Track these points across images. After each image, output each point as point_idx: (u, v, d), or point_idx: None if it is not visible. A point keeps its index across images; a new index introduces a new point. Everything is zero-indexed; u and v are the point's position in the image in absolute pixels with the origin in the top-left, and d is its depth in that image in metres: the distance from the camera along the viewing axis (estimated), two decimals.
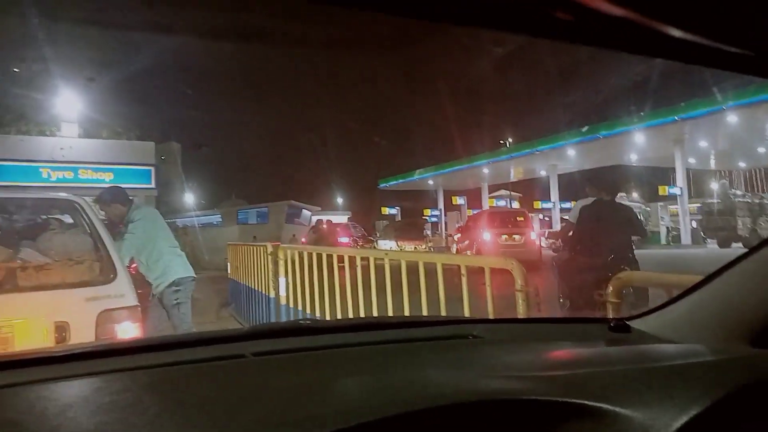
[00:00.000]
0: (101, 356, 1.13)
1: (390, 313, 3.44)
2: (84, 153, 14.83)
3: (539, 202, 37.68)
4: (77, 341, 2.79)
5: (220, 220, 30.20)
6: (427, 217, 41.00)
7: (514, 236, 16.31)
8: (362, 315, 3.74)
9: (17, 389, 0.92)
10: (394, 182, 45.07)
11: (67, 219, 3.77)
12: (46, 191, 8.24)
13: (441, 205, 43.67)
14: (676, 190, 28.32)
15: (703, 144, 28.87)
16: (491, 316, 2.58)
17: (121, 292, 3.07)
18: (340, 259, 4.29)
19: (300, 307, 5.00)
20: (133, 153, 16.04)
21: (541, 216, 38.06)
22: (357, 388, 0.99)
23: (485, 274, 2.77)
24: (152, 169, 15.86)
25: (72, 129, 15.81)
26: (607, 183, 5.97)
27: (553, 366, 1.12)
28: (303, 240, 20.04)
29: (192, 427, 0.78)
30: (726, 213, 24.91)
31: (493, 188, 40.95)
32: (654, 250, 23.99)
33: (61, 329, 2.81)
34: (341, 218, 38.55)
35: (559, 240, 6.73)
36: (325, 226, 17.39)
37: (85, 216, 3.44)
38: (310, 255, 4.80)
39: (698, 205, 29.31)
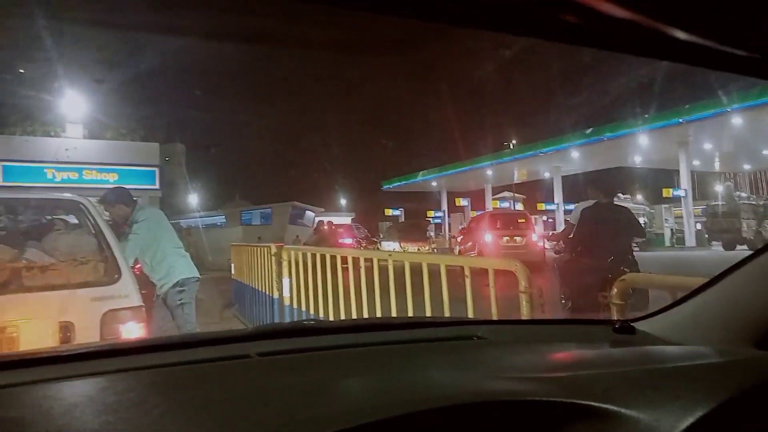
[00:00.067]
0: (106, 356, 1.14)
1: (393, 314, 3.44)
2: (88, 154, 14.90)
3: (543, 204, 37.61)
4: (82, 341, 2.80)
5: (224, 221, 30.29)
6: (430, 219, 40.97)
7: (515, 238, 16.41)
8: (366, 316, 3.74)
9: (23, 388, 0.93)
10: (398, 184, 45.04)
11: (72, 219, 3.78)
12: (50, 192, 8.26)
13: (444, 206, 43.62)
14: (680, 192, 28.23)
15: (707, 146, 28.77)
16: (495, 318, 2.58)
17: (126, 292, 3.08)
18: (344, 260, 4.30)
19: (304, 308, 5.00)
20: (137, 154, 16.11)
21: (544, 218, 38.00)
22: (361, 389, 0.99)
23: (489, 275, 2.77)
24: (156, 170, 15.92)
25: (77, 130, 15.88)
26: (605, 185, 6.02)
27: (557, 367, 1.12)
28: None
29: (197, 427, 0.79)
30: (731, 215, 24.83)
31: (497, 190, 40.87)
32: (658, 253, 23.92)
33: (66, 329, 2.83)
34: (345, 219, 38.59)
35: (561, 241, 6.76)
36: (326, 227, 17.36)
37: (89, 216, 3.45)
38: (313, 256, 4.81)
39: (703, 207, 29.20)
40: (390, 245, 24.19)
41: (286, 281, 5.59)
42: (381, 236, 30.38)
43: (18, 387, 0.93)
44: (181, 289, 4.24)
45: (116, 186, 5.06)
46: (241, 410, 0.84)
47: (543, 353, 1.25)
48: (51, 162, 14.14)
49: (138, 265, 4.20)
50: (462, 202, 40.79)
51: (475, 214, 28.43)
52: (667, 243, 30.22)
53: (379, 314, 3.65)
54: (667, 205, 32.72)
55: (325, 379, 1.02)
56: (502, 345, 1.36)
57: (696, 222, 28.69)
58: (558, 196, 34.22)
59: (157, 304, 4.28)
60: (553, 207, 35.11)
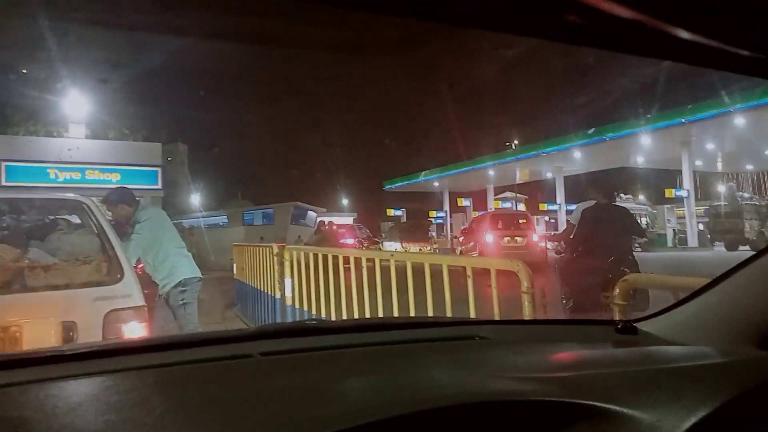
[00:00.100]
0: (109, 355, 1.14)
1: (396, 315, 3.44)
2: (91, 154, 14.94)
3: (545, 204, 37.58)
4: (84, 341, 2.80)
5: (226, 220, 30.29)
6: (432, 219, 40.94)
7: (516, 238, 16.52)
8: (368, 316, 3.74)
9: (27, 387, 0.93)
10: (400, 184, 45.03)
11: (75, 219, 3.79)
12: (53, 192, 8.28)
13: (446, 206, 43.61)
14: (682, 193, 28.19)
15: (710, 146, 28.73)
16: (497, 318, 2.58)
17: (128, 292, 3.08)
18: (346, 260, 4.30)
19: (306, 308, 5.01)
20: (139, 154, 16.14)
21: (546, 218, 37.96)
22: (363, 389, 0.99)
23: (491, 275, 2.77)
24: (159, 170, 15.95)
25: (79, 130, 15.91)
26: (604, 186, 6.09)
27: (560, 367, 1.12)
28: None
29: (199, 426, 0.79)
30: (733, 216, 24.78)
31: (498, 190, 40.85)
32: (661, 253, 23.88)
33: (69, 329, 2.83)
34: (347, 219, 38.61)
35: (562, 242, 6.79)
36: (326, 227, 17.34)
37: (92, 216, 3.45)
38: (315, 256, 4.81)
39: (705, 207, 29.15)
40: (392, 245, 24.19)
41: (288, 281, 5.60)
42: (383, 236, 30.38)
43: (21, 386, 0.93)
44: (184, 288, 4.24)
45: (119, 186, 5.06)
46: (243, 409, 0.84)
47: (545, 353, 1.25)
48: (54, 162, 14.18)
49: (140, 265, 4.21)
50: (464, 202, 40.78)
51: (477, 214, 28.41)
52: (670, 243, 30.16)
53: (381, 314, 3.65)
54: (669, 206, 32.66)
55: (327, 379, 1.02)
56: (505, 345, 1.36)
57: (698, 222, 28.64)
58: (560, 197, 34.20)
59: (159, 303, 4.29)
60: (555, 207, 35.07)
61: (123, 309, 3.01)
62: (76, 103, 15.88)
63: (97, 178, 14.63)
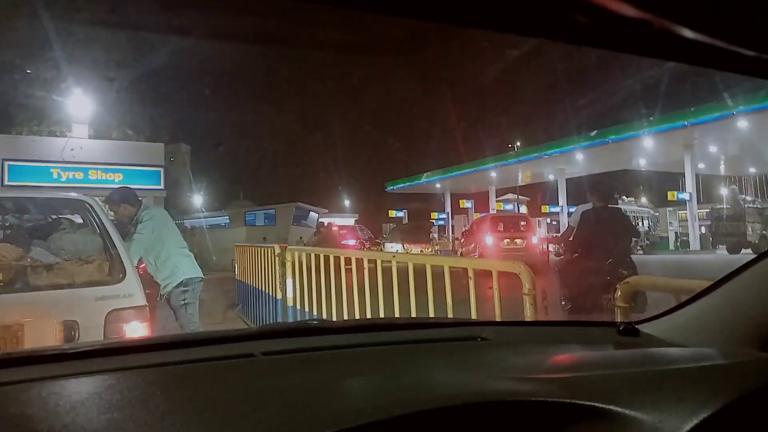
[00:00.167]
0: (111, 354, 1.14)
1: (397, 315, 3.44)
2: (94, 154, 14.95)
3: (547, 206, 37.56)
4: (86, 340, 2.80)
5: (228, 221, 30.32)
6: (434, 220, 40.95)
7: (516, 240, 16.63)
8: (369, 317, 3.74)
9: (29, 385, 0.93)
10: (402, 185, 45.03)
11: (77, 219, 3.79)
12: (56, 191, 8.30)
13: (448, 208, 43.60)
14: (685, 196, 28.15)
15: (712, 149, 28.69)
16: (498, 319, 2.58)
17: (130, 291, 3.08)
18: (348, 261, 4.30)
19: (307, 309, 5.01)
20: (142, 154, 16.16)
21: (548, 220, 37.95)
22: (364, 388, 0.99)
23: (493, 277, 2.77)
24: (161, 170, 15.96)
25: (82, 130, 15.93)
26: (600, 189, 6.16)
27: (561, 368, 1.12)
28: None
29: (200, 425, 0.79)
30: (735, 219, 24.74)
31: (501, 192, 40.83)
32: (662, 256, 23.84)
33: (70, 328, 2.83)
34: (348, 220, 38.62)
35: (561, 244, 6.83)
36: (325, 228, 17.30)
37: (94, 216, 3.46)
38: (317, 257, 4.81)
39: (707, 210, 29.11)
40: (393, 246, 24.19)
41: (289, 282, 5.60)
42: (384, 237, 30.39)
43: (23, 384, 0.94)
44: (185, 289, 4.25)
45: (121, 186, 5.06)
46: (245, 409, 0.84)
47: (547, 354, 1.25)
48: (57, 162, 14.20)
49: (142, 265, 4.21)
50: (466, 203, 40.78)
51: (478, 215, 28.43)
52: (672, 246, 30.12)
53: (382, 315, 3.65)
54: (671, 208, 32.64)
55: (329, 379, 1.02)
56: (506, 346, 1.36)
57: (701, 225, 28.60)
58: (562, 199, 34.18)
59: (160, 303, 4.29)
60: (557, 209, 35.05)
61: (125, 309, 3.01)
62: (79, 103, 15.90)
63: (99, 178, 14.65)
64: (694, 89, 25.60)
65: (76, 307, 2.92)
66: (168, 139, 24.59)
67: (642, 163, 33.84)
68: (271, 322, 6.01)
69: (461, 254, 18.68)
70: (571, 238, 6.13)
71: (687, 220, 28.85)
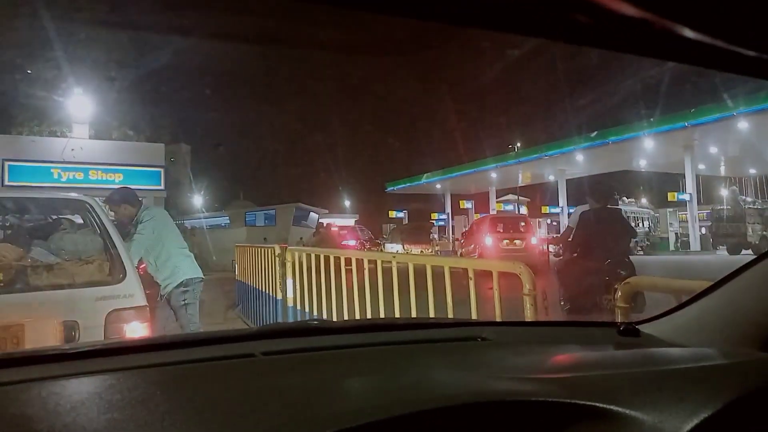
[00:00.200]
0: (111, 354, 1.14)
1: (397, 316, 3.44)
2: (94, 154, 14.97)
3: (547, 207, 37.57)
4: (86, 340, 2.80)
5: (228, 221, 30.33)
6: (434, 221, 40.94)
7: (515, 241, 16.71)
8: (370, 317, 3.74)
9: (29, 385, 0.93)
10: (402, 186, 45.03)
11: (78, 219, 3.80)
12: (56, 191, 8.30)
13: (448, 209, 43.59)
14: (685, 197, 28.14)
15: (713, 150, 28.68)
16: (499, 319, 2.58)
17: (131, 292, 3.09)
18: (348, 261, 4.29)
19: (307, 309, 5.01)
20: (142, 154, 16.18)
21: (549, 221, 37.96)
22: (364, 388, 0.99)
23: (493, 277, 2.77)
24: (161, 170, 15.97)
25: (83, 130, 15.94)
26: (597, 190, 6.24)
27: (561, 368, 1.12)
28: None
29: (201, 425, 0.79)
30: (736, 219, 24.74)
31: (501, 192, 40.82)
32: (663, 257, 23.83)
33: (71, 328, 2.83)
34: (349, 221, 38.63)
35: (560, 244, 6.86)
36: (324, 229, 17.27)
37: (95, 216, 3.46)
38: (317, 257, 4.81)
39: (708, 211, 29.10)
40: (394, 247, 24.21)
41: (289, 282, 5.60)
42: (385, 238, 30.40)
43: (23, 384, 0.94)
44: (186, 289, 4.25)
45: (121, 186, 5.06)
46: (245, 409, 0.84)
47: (547, 354, 1.25)
48: (57, 162, 14.21)
49: (143, 265, 4.22)
50: (466, 204, 40.76)
51: (479, 216, 28.44)
52: (672, 247, 30.13)
53: (382, 315, 3.65)
54: (672, 209, 32.63)
55: (329, 379, 1.02)
56: (506, 346, 1.36)
57: (701, 226, 28.59)
58: (562, 199, 34.17)
59: (161, 304, 4.29)
60: (557, 210, 35.05)
61: (125, 309, 3.01)
62: (79, 104, 15.92)
63: (100, 179, 14.67)
64: (695, 90, 25.62)
65: (76, 307, 2.93)
66: (168, 140, 24.63)
67: (642, 164, 33.83)
68: (272, 322, 6.01)
69: (461, 255, 18.74)
70: (570, 239, 6.18)
71: (687, 221, 28.85)
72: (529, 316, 2.55)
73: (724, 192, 31.66)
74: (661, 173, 36.91)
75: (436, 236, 33.54)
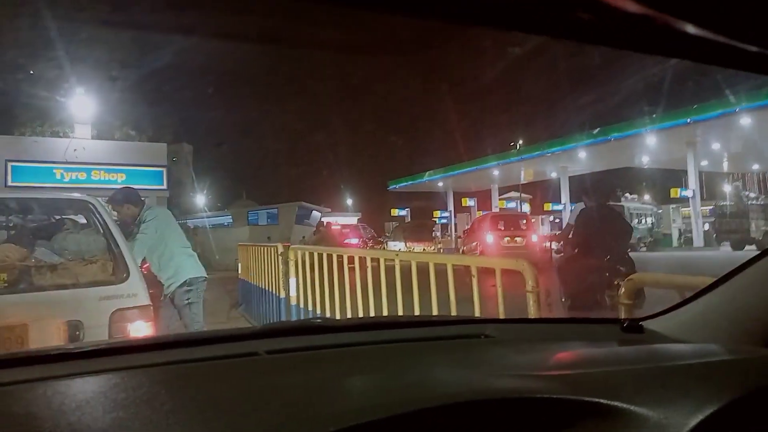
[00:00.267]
0: (116, 353, 1.15)
1: (400, 313, 3.44)
2: (97, 154, 14.99)
3: (550, 204, 37.49)
4: (90, 340, 2.81)
5: (231, 220, 30.36)
6: (436, 219, 40.89)
7: (516, 238, 16.77)
8: (373, 315, 3.75)
9: (34, 385, 0.94)
10: (404, 184, 44.97)
11: (81, 219, 3.80)
12: (59, 192, 8.32)
13: (451, 206, 43.54)
14: (688, 193, 28.07)
15: (715, 146, 28.59)
16: (502, 316, 2.58)
17: (134, 291, 3.09)
18: (351, 260, 4.30)
19: (310, 307, 5.01)
20: (145, 154, 16.21)
21: (551, 218, 37.89)
22: (368, 386, 0.99)
23: (496, 275, 2.77)
24: (164, 170, 15.98)
25: (85, 130, 15.97)
26: (593, 188, 6.34)
27: (566, 365, 1.12)
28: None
29: (205, 424, 0.79)
30: (739, 215, 24.68)
31: (503, 190, 40.75)
32: (666, 253, 23.78)
33: (75, 328, 2.84)
34: (351, 219, 38.63)
35: (561, 242, 6.89)
36: (324, 228, 17.23)
37: (98, 216, 3.47)
38: (320, 256, 4.82)
39: (711, 207, 29.03)
40: (396, 245, 24.20)
41: (292, 281, 5.61)
42: (387, 236, 30.38)
43: (28, 384, 0.94)
44: (189, 288, 4.26)
45: (124, 186, 5.08)
46: (249, 407, 0.84)
47: (551, 352, 1.25)
48: (60, 162, 14.23)
49: (146, 265, 4.22)
50: (468, 202, 40.70)
51: (481, 214, 28.41)
52: (675, 243, 30.06)
53: (385, 313, 3.66)
54: (674, 206, 32.54)
55: (333, 377, 1.02)
56: (510, 343, 1.36)
57: (704, 222, 28.53)
58: (565, 197, 34.10)
59: (164, 303, 4.30)
60: (560, 207, 34.98)
61: (129, 308, 3.02)
62: (82, 104, 15.95)
63: (102, 179, 14.69)
64: (697, 86, 25.53)
65: (80, 307, 2.93)
66: (171, 139, 24.66)
67: (645, 160, 33.74)
68: (275, 321, 6.01)
69: (463, 252, 18.76)
70: (570, 236, 6.23)
71: (690, 217, 28.78)
72: (532, 313, 2.55)
73: (727, 188, 31.59)
74: (663, 170, 36.80)
75: (438, 234, 33.52)
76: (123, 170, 14.98)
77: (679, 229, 31.54)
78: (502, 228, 17.25)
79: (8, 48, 16.45)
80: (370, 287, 3.86)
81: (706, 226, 28.41)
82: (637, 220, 27.05)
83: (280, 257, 5.93)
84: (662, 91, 25.52)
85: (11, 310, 2.81)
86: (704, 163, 31.00)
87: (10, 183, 13.71)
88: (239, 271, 9.02)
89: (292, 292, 5.60)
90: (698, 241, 27.06)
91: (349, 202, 52.49)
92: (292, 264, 5.64)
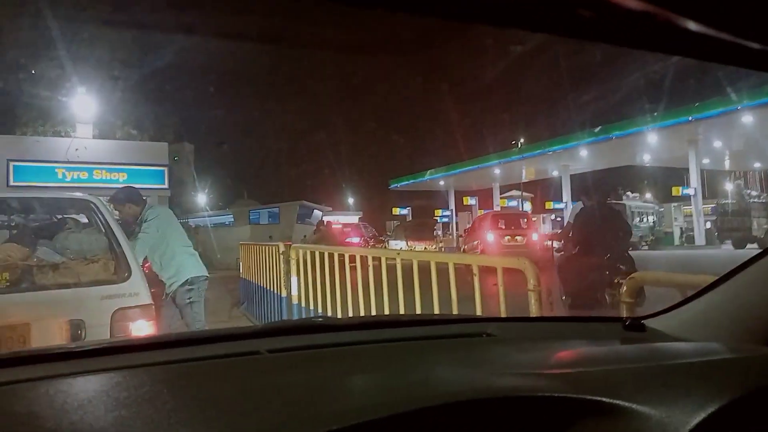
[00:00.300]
0: (118, 352, 1.15)
1: (402, 312, 3.45)
2: (98, 154, 14.98)
3: (551, 203, 37.46)
4: (92, 339, 2.82)
5: (232, 220, 30.36)
6: (438, 218, 40.89)
7: (516, 237, 16.79)
8: (374, 314, 3.75)
9: (36, 383, 0.94)
10: (405, 183, 44.95)
11: (83, 218, 3.81)
12: (61, 191, 8.33)
13: (452, 205, 43.52)
14: (689, 191, 28.03)
15: (717, 144, 28.54)
16: (504, 315, 2.58)
17: (136, 290, 3.10)
18: (352, 258, 4.30)
19: (312, 306, 5.02)
20: (146, 153, 16.20)
21: (553, 216, 37.87)
22: (370, 385, 0.99)
23: (497, 273, 2.77)
24: (165, 169, 15.98)
25: (87, 130, 15.97)
26: (592, 187, 6.38)
27: (568, 364, 1.12)
28: None
29: (207, 422, 0.79)
30: (741, 214, 24.64)
31: (505, 188, 40.73)
32: (667, 251, 23.76)
33: (77, 327, 2.85)
34: (352, 218, 38.64)
35: (561, 240, 6.91)
36: (324, 227, 17.16)
37: (99, 215, 3.47)
38: (321, 255, 4.82)
39: (713, 205, 28.99)
40: (397, 244, 24.21)
41: (294, 279, 5.61)
42: (389, 235, 30.39)
43: (30, 382, 0.94)
44: (190, 287, 4.26)
45: (126, 185, 5.08)
46: (251, 406, 0.84)
47: (552, 350, 1.25)
48: (61, 162, 14.24)
49: (147, 264, 4.23)
50: (470, 201, 40.67)
51: (482, 212, 28.40)
52: (677, 241, 30.03)
53: (387, 312, 3.66)
54: (676, 204, 32.50)
55: (334, 376, 1.02)
56: (512, 342, 1.36)
57: (706, 220, 28.49)
58: (566, 195, 34.07)
59: (166, 302, 4.31)
60: (561, 206, 34.95)
61: (130, 307, 3.02)
62: (83, 103, 15.94)
63: (104, 178, 14.68)
64: (698, 84, 25.49)
65: (82, 306, 2.94)
66: (172, 139, 24.63)
67: (646, 158, 33.68)
68: (277, 319, 6.02)
69: (464, 251, 18.78)
70: (570, 235, 6.25)
71: (692, 216, 28.75)
72: (533, 311, 2.55)
73: (728, 186, 31.52)
74: (665, 168, 36.75)
75: (439, 233, 33.51)
76: (124, 169, 14.97)
77: (681, 228, 31.53)
78: (503, 227, 17.27)
79: (10, 48, 16.45)
80: (371, 286, 3.86)
81: (708, 225, 28.38)
82: (638, 219, 27.03)
83: (281, 256, 5.93)
84: (664, 89, 25.49)
85: (13, 309, 2.81)
86: (706, 161, 30.95)
87: (12, 182, 13.71)
88: (240, 270, 9.02)
89: (294, 291, 5.60)
90: (700, 239, 27.03)
91: (351, 201, 52.52)
92: (293, 263, 5.64)
